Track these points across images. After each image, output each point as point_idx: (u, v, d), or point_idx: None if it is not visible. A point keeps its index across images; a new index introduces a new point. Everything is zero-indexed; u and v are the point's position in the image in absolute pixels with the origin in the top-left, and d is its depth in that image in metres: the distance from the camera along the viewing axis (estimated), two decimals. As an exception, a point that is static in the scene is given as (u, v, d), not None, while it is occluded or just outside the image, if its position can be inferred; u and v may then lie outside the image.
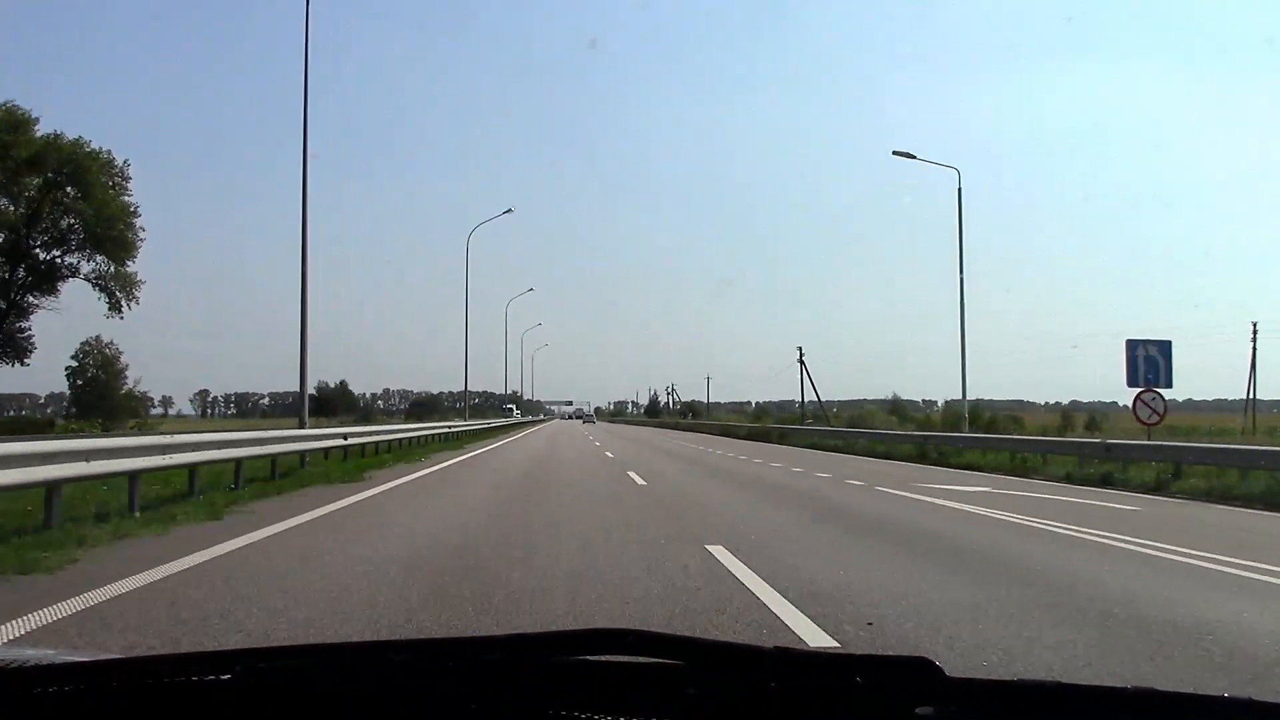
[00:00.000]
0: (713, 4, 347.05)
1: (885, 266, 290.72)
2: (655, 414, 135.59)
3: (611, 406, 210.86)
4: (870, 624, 5.10)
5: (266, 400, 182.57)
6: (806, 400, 67.09)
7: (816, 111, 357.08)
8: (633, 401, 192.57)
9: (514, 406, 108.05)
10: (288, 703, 1.02)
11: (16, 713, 0.99)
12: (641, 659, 1.03)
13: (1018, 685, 1.12)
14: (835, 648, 4.55)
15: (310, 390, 22.96)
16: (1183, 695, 1.08)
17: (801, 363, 65.73)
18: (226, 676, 1.01)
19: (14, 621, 4.70)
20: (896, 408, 65.52)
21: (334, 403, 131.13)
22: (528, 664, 1.08)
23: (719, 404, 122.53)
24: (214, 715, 1.01)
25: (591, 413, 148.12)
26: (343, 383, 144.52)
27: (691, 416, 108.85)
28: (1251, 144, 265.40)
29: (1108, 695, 1.09)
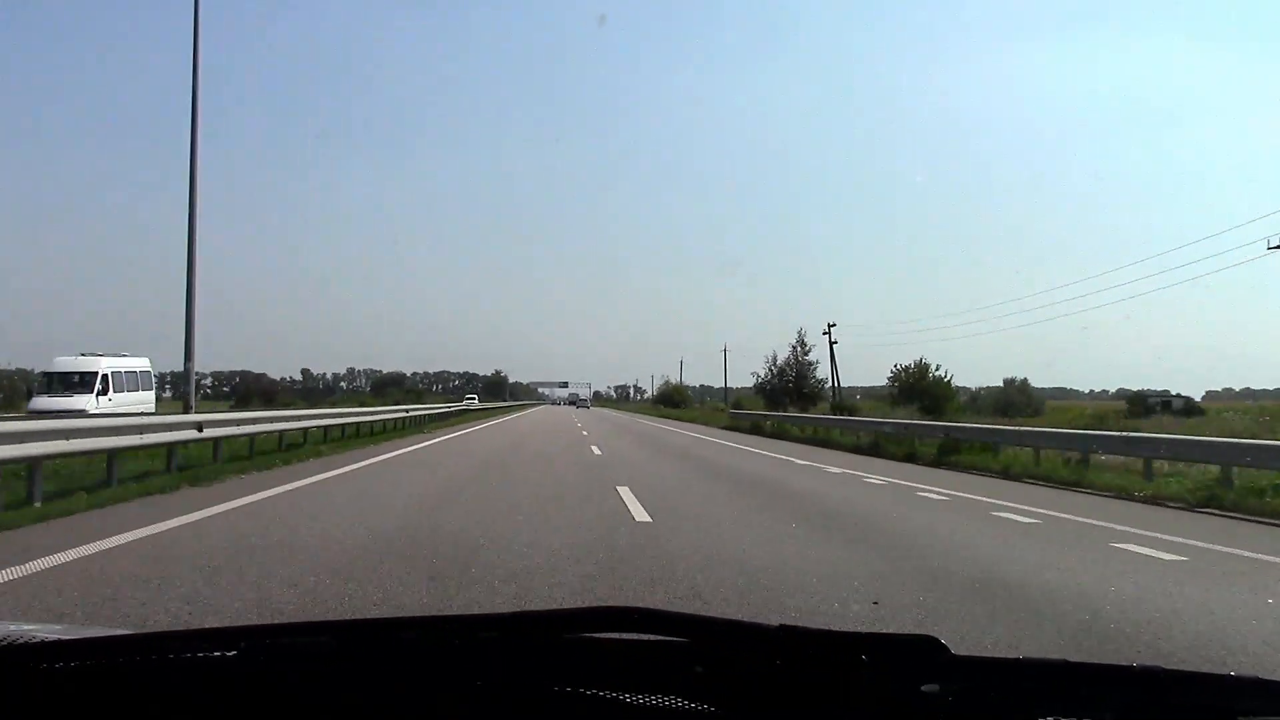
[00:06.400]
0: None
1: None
2: (774, 397, 62.23)
3: (612, 392, 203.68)
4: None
5: (209, 380, 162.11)
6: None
7: (830, 87, 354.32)
8: (635, 386, 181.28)
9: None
10: (291, 679, 1.02)
11: (22, 688, 0.99)
12: (647, 636, 1.03)
13: (1023, 663, 1.12)
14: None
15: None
16: (1188, 674, 1.08)
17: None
18: (232, 653, 1.01)
19: None
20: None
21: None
22: (532, 641, 1.08)
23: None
24: (219, 691, 1.01)
25: (588, 397, 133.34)
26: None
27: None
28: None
29: (1113, 673, 1.09)
